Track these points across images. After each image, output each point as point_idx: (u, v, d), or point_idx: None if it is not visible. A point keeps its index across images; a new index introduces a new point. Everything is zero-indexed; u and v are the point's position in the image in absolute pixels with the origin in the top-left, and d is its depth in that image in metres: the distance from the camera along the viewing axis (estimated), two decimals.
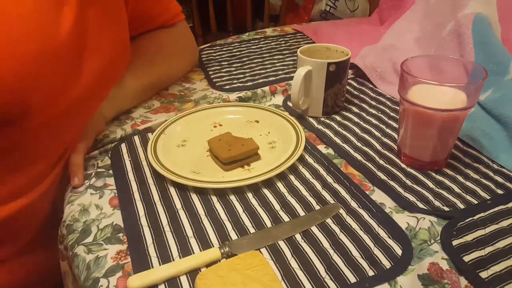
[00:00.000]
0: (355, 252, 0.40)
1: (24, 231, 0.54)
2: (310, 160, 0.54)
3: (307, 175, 0.51)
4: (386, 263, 0.38)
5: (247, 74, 0.78)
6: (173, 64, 0.74)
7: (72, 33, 0.46)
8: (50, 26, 0.44)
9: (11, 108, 0.42)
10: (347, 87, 0.68)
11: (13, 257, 0.54)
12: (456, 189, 0.48)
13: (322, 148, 0.57)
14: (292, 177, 0.50)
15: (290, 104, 0.68)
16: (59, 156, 0.52)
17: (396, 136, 0.58)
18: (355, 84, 0.75)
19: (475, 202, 0.46)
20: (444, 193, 0.47)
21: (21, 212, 0.49)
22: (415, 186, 0.48)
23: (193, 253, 0.40)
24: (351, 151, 0.55)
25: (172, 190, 0.48)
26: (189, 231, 0.43)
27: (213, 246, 0.41)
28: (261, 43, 0.95)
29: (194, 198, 0.47)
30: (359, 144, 0.57)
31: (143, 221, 0.44)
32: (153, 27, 0.71)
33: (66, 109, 0.48)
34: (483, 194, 0.47)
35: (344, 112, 0.65)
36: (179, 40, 0.75)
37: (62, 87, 0.46)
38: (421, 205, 0.45)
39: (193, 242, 0.41)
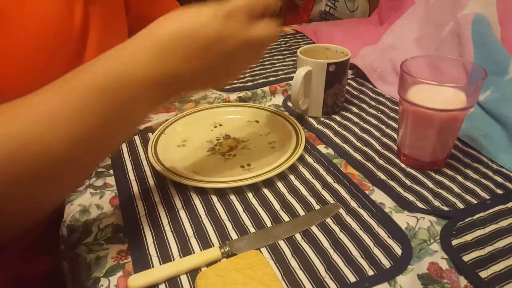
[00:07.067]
0: (354, 252, 0.40)
1: (25, 232, 0.54)
2: (310, 160, 0.54)
3: (307, 175, 0.51)
4: (386, 263, 0.38)
5: (247, 74, 0.78)
6: None
7: (82, 31, 0.46)
8: (64, 24, 0.44)
9: None
10: (346, 87, 0.68)
11: (14, 258, 0.54)
12: (456, 189, 0.48)
13: (322, 148, 0.57)
14: (292, 177, 0.50)
15: (290, 104, 0.68)
16: None
17: (395, 136, 0.58)
18: (354, 84, 0.75)
19: (475, 202, 0.46)
20: (444, 193, 0.47)
21: None
22: (415, 186, 0.48)
23: (194, 252, 0.40)
24: (351, 151, 0.55)
25: (173, 190, 0.48)
26: (189, 231, 0.43)
27: (214, 246, 0.41)
28: None
29: (195, 197, 0.47)
30: (358, 144, 0.57)
31: (144, 220, 0.44)
32: None
33: None
34: (482, 194, 0.47)
35: (343, 112, 0.65)
36: None
37: None
38: (420, 205, 0.45)
39: (194, 242, 0.41)
